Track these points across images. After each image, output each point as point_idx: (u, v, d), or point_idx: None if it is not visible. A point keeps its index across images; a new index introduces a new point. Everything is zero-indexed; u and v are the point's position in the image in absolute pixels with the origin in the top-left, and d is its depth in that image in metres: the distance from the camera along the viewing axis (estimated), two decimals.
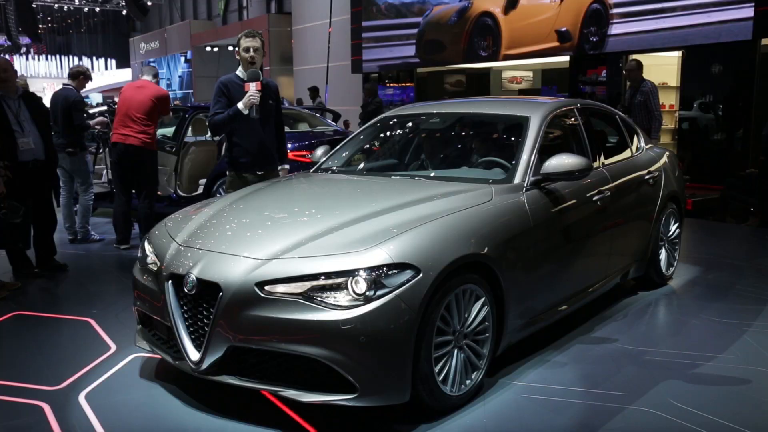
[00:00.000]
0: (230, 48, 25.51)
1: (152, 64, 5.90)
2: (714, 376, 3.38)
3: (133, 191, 6.48)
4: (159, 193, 7.39)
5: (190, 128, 7.52)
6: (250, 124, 4.40)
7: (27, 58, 39.50)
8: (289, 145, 6.43)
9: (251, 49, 4.39)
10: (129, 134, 6.14)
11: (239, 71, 4.49)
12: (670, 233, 5.00)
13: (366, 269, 2.69)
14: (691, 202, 7.85)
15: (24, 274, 5.36)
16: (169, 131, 7.94)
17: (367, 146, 4.65)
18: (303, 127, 7.98)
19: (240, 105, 4.31)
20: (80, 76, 6.69)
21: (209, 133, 7.79)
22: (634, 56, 7.86)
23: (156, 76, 6.67)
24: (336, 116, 11.48)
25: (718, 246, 6.36)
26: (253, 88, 4.30)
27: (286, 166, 4.78)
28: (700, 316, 4.29)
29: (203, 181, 7.23)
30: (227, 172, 4.59)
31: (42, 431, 2.87)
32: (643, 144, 5.00)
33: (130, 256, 5.98)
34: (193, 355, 2.89)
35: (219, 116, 4.38)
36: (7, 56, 38.51)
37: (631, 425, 2.88)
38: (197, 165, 7.42)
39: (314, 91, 15.06)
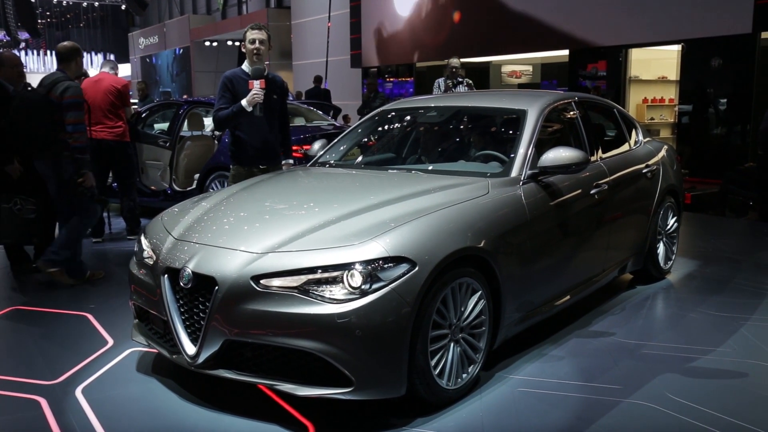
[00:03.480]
0: (229, 43, 25.48)
1: (112, 58, 6.45)
2: (711, 370, 3.38)
3: (114, 184, 6.63)
4: (153, 188, 7.40)
5: (186, 123, 7.50)
6: (254, 119, 4.41)
7: (26, 53, 39.44)
8: None
9: (257, 41, 4.40)
10: (100, 129, 6.22)
11: (245, 65, 4.49)
12: (669, 227, 4.99)
13: (362, 263, 2.68)
14: (689, 196, 7.84)
15: (22, 270, 5.35)
16: (164, 126, 7.93)
17: (365, 140, 4.64)
18: (299, 122, 7.96)
19: (244, 102, 4.33)
20: (81, 77, 6.74)
21: (206, 128, 7.78)
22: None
23: (114, 68, 6.84)
24: (336, 111, 11.44)
25: (717, 240, 6.35)
26: (257, 85, 4.32)
27: (291, 161, 4.78)
28: (698, 309, 4.29)
29: (198, 175, 7.22)
30: (231, 166, 4.60)
31: (39, 425, 2.87)
32: (641, 138, 4.99)
33: (126, 251, 5.98)
34: (190, 349, 2.89)
35: (223, 112, 4.39)
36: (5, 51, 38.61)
37: (627, 419, 2.88)
38: (194, 159, 7.40)
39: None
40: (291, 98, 11.44)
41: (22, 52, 38.85)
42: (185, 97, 17.84)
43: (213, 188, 6.81)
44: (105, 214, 6.67)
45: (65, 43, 5.09)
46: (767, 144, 7.16)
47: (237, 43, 21.99)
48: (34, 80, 6.68)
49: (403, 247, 2.76)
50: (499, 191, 3.38)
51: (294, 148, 6.54)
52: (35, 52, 40.38)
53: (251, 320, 2.72)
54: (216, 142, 7.19)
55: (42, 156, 4.79)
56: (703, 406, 2.96)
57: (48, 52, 40.56)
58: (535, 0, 11.59)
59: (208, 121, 7.74)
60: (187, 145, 7.43)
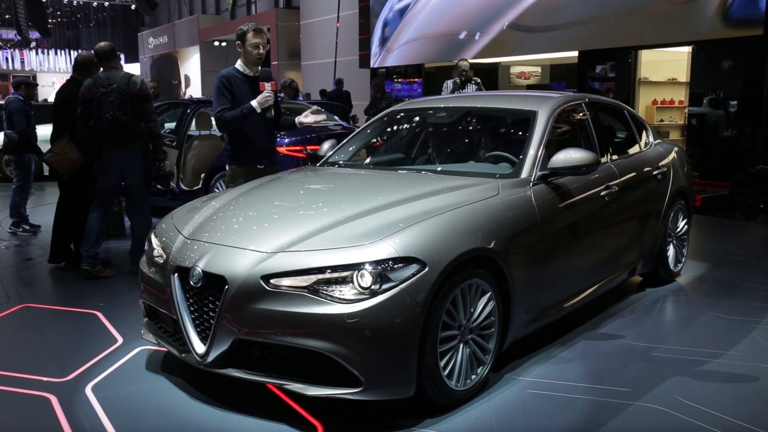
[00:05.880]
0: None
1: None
2: (721, 373, 3.36)
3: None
4: (159, 187, 7.41)
5: (193, 122, 7.51)
6: (261, 120, 4.41)
7: (36, 53, 39.64)
8: (287, 140, 6.43)
9: (261, 46, 4.41)
10: None
11: (239, 65, 4.49)
12: (679, 229, 4.97)
13: (371, 263, 2.68)
14: (699, 198, 7.80)
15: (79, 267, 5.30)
16: (172, 125, 7.96)
17: (374, 140, 4.64)
18: None
19: (254, 104, 4.34)
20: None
21: (213, 127, 7.79)
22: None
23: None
24: (345, 112, 11.45)
25: (727, 243, 6.31)
26: (268, 88, 4.36)
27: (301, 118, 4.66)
28: (708, 312, 4.26)
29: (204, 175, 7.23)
30: (227, 167, 4.59)
31: (49, 423, 2.88)
32: (651, 139, 4.96)
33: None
34: (199, 347, 2.89)
35: (230, 113, 4.37)
36: (16, 51, 38.75)
37: (636, 422, 2.86)
38: (201, 159, 7.41)
39: (322, 93, 15.17)
40: (300, 98, 11.46)
41: (32, 52, 39.07)
42: (190, 96, 17.87)
43: (218, 188, 6.82)
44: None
45: (103, 43, 5.23)
46: None
47: None
48: (43, 79, 6.69)
49: (413, 247, 2.76)
50: (509, 192, 3.37)
51: (297, 148, 6.57)
52: (46, 51, 40.54)
53: (261, 319, 2.72)
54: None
55: (132, 147, 5.07)
56: (714, 410, 2.94)
57: (57, 51, 40.76)
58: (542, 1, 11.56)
59: None
60: (195, 145, 7.45)
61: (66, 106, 5.34)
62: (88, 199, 5.26)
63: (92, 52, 5.49)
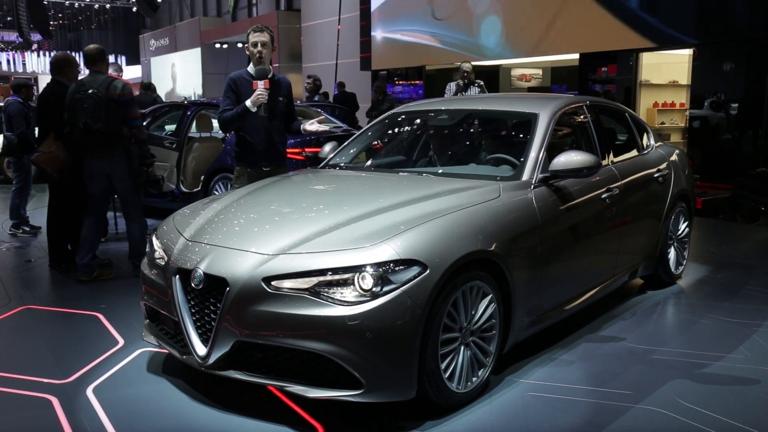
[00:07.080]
0: (239, 45, 25.60)
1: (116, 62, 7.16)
2: (722, 376, 3.35)
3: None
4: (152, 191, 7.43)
5: (194, 124, 7.52)
6: (259, 121, 4.42)
7: (38, 55, 39.70)
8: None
9: (259, 44, 4.42)
10: None
11: (250, 67, 4.51)
12: (680, 232, 4.97)
13: (373, 265, 2.68)
14: (701, 201, 7.80)
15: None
16: (172, 127, 7.98)
17: (376, 143, 4.65)
18: None
19: (248, 103, 4.35)
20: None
21: (214, 129, 7.80)
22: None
23: (118, 70, 7.21)
24: (348, 114, 11.45)
25: (728, 245, 6.31)
26: (261, 86, 4.34)
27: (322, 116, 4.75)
28: (709, 315, 4.26)
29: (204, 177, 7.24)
30: (235, 167, 4.61)
31: (50, 424, 2.88)
32: (652, 142, 4.97)
33: None
34: (200, 349, 2.90)
35: (228, 113, 4.42)
36: (18, 53, 38.79)
37: (637, 424, 2.86)
38: (202, 161, 7.42)
39: (325, 96, 15.17)
40: (316, 98, 11.49)
41: (34, 54, 39.11)
42: (184, 99, 17.89)
43: (217, 190, 6.82)
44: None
45: (92, 46, 5.20)
46: None
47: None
48: (44, 81, 6.72)
49: (414, 249, 2.76)
50: (510, 195, 3.37)
51: (297, 150, 6.57)
52: (47, 53, 40.59)
53: (262, 321, 2.73)
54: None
55: (113, 154, 4.95)
56: (715, 412, 2.94)
57: None
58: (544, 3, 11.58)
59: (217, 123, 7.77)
60: (195, 147, 7.46)
61: (49, 107, 5.34)
62: (81, 199, 5.22)
63: (68, 52, 5.48)
